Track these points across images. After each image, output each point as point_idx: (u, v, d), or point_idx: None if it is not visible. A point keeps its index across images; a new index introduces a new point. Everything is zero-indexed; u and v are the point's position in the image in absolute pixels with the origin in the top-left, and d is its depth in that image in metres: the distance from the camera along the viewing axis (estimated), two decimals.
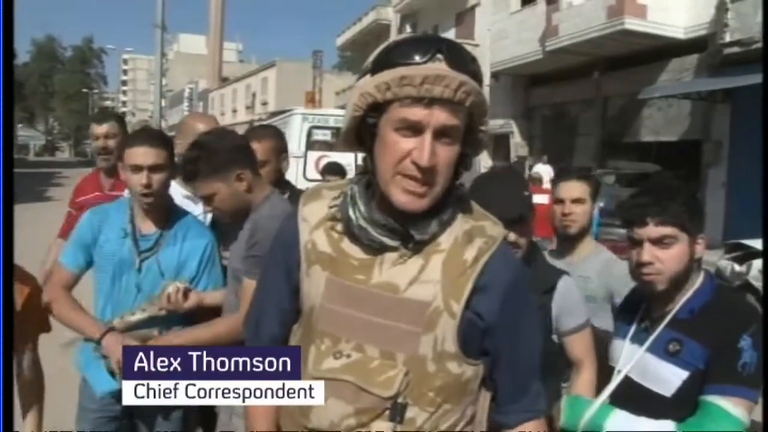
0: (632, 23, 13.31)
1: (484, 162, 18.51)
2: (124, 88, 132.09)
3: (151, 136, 2.44)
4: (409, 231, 1.24)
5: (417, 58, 1.16)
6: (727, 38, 11.92)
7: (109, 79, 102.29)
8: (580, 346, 2.15)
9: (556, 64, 16.54)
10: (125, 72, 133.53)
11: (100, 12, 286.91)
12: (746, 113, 11.92)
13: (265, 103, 43.02)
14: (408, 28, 26.31)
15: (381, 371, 1.23)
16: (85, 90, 75.46)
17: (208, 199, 2.27)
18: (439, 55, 1.16)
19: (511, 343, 1.33)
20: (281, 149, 2.89)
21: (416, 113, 1.15)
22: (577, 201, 2.61)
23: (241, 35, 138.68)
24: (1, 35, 1.83)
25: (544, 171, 14.64)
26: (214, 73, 56.13)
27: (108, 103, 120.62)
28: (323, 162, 7.02)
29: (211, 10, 52.44)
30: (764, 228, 1.81)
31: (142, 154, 2.33)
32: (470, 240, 1.28)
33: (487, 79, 19.90)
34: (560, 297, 2.12)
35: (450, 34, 23.39)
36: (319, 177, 6.77)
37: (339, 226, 1.30)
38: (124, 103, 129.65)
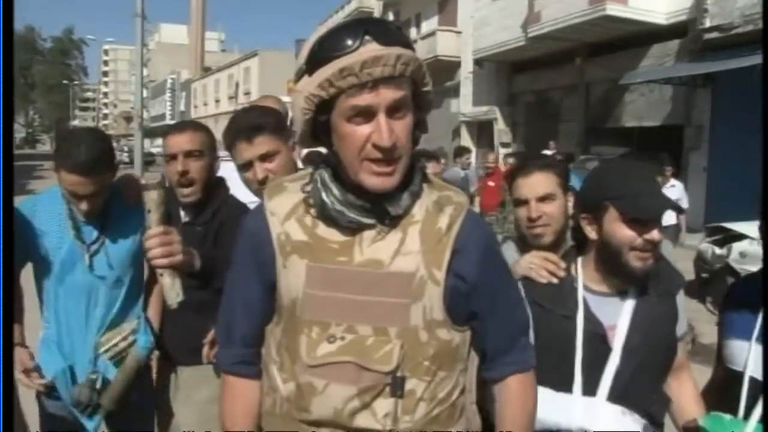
0: (614, 9, 13.35)
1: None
2: (105, 79, 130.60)
3: (89, 160, 2.07)
4: (385, 207, 1.26)
5: (348, 47, 1.17)
6: (707, 23, 11.99)
7: (90, 70, 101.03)
8: (683, 352, 1.92)
9: (538, 50, 16.57)
10: (106, 63, 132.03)
11: (79, 2, 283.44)
12: (726, 98, 12.04)
13: (248, 93, 42.79)
14: (391, 16, 26.22)
15: (377, 347, 1.25)
16: (65, 81, 74.50)
17: (266, 157, 2.08)
18: (367, 37, 1.18)
19: (493, 301, 1.37)
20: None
21: (364, 98, 1.17)
22: (545, 199, 2.04)
23: (223, 25, 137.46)
24: (1, 34, 1.81)
25: None
26: (196, 63, 55.74)
27: (89, 94, 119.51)
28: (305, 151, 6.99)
29: None
30: (764, 222, 1.79)
31: (77, 184, 2.08)
32: (440, 209, 1.32)
33: (470, 66, 19.91)
34: (679, 302, 1.86)
35: (433, 22, 23.35)
36: (301, 166, 6.73)
37: (311, 213, 1.31)
38: (105, 95, 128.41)
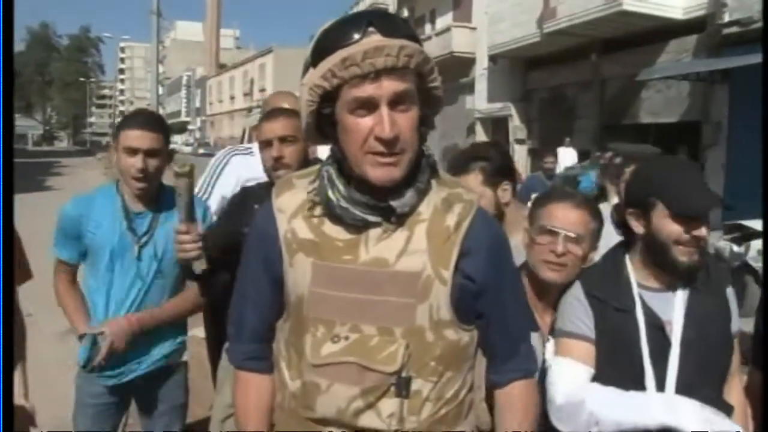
0: (630, 4, 13.23)
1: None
2: (122, 76, 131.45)
3: (148, 119, 2.37)
4: (390, 204, 1.24)
5: (351, 38, 1.17)
6: (726, 18, 11.85)
7: (107, 68, 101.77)
8: (736, 355, 1.84)
9: (553, 46, 16.46)
10: (122, 60, 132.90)
11: (96, 0, 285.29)
12: (745, 94, 11.86)
13: (263, 90, 42.94)
14: (405, 12, 26.17)
15: (382, 348, 1.24)
16: (82, 79, 75.06)
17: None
18: (371, 28, 1.17)
19: (500, 303, 1.36)
20: None
21: (366, 89, 1.16)
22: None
23: (239, 22, 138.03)
24: (1, 30, 1.82)
25: (566, 155, 14.30)
26: (211, 60, 55.97)
27: (106, 91, 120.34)
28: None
29: None
30: (764, 216, 1.76)
31: (137, 138, 2.27)
32: (449, 207, 1.30)
33: (485, 63, 19.83)
34: (730, 298, 1.83)
35: (447, 18, 23.28)
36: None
37: (317, 211, 1.30)
38: (121, 92, 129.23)
